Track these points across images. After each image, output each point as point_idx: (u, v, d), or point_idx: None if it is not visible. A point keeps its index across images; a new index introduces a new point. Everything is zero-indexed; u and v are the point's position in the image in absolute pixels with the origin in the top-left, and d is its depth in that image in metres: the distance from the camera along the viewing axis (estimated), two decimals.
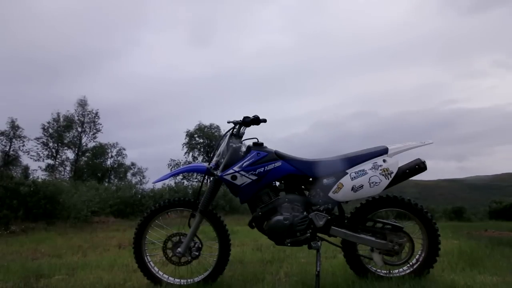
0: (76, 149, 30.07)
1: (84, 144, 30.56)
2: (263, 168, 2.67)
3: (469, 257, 3.49)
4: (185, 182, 26.93)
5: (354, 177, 2.61)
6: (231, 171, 2.69)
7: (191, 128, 34.98)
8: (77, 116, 29.87)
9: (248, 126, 2.82)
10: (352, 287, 2.53)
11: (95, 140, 30.86)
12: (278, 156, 2.72)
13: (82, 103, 30.07)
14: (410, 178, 2.76)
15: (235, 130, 2.82)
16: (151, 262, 2.91)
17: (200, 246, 2.82)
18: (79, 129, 30.00)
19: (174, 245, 2.80)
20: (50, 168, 28.25)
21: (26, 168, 27.73)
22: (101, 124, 30.76)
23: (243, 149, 2.80)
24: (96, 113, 30.40)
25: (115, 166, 32.84)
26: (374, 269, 2.72)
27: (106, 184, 21.94)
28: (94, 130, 30.43)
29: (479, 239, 5.53)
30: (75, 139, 29.94)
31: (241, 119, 2.78)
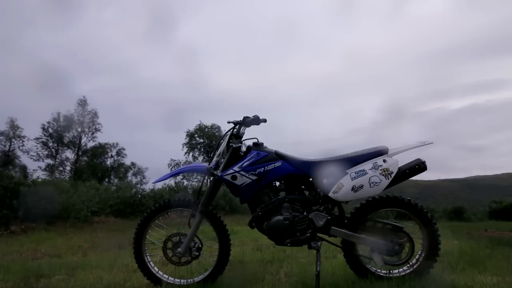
0: (76, 149, 30.11)
1: (83, 144, 30.62)
2: (263, 168, 2.67)
3: (469, 257, 3.50)
4: (185, 182, 26.96)
5: (354, 177, 2.61)
6: (231, 171, 2.69)
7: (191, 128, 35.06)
8: (77, 116, 29.94)
9: (248, 126, 2.82)
10: (352, 287, 2.53)
11: (94, 140, 30.93)
12: (278, 156, 2.72)
13: (82, 103, 30.14)
14: (410, 178, 2.76)
15: (235, 130, 2.82)
16: (151, 262, 2.90)
17: (200, 246, 2.82)
18: (79, 129, 30.07)
19: (174, 245, 2.80)
20: (50, 168, 28.28)
21: (24, 168, 27.70)
22: (100, 124, 30.82)
23: (243, 149, 2.81)
24: (95, 113, 30.47)
25: (115, 166, 32.87)
26: (374, 269, 2.72)
27: (106, 184, 21.94)
28: (93, 130, 30.50)
29: (479, 239, 5.54)
30: (75, 139, 30.00)
31: (241, 119, 2.78)
